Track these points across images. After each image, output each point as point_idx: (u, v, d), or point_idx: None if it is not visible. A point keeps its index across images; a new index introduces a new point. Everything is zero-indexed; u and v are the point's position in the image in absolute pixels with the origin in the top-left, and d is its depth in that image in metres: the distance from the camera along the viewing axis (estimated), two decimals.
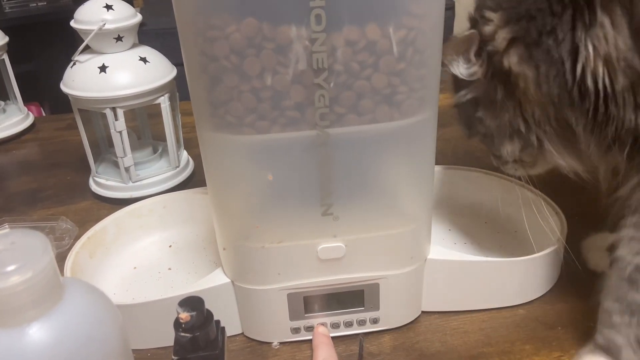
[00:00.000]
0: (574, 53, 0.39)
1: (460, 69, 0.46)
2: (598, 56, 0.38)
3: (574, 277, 0.55)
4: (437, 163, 0.46)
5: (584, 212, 0.63)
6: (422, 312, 0.51)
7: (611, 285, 0.43)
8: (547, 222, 0.56)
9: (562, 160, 0.46)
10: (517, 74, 0.42)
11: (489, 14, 0.43)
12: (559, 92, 0.41)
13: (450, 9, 1.66)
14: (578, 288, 0.53)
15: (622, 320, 0.42)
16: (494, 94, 0.45)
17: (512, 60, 0.42)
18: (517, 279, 0.51)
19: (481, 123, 0.48)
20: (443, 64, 0.44)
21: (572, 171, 0.48)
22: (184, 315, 0.34)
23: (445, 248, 0.50)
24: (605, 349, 0.43)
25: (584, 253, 0.56)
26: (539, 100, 0.42)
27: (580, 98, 0.40)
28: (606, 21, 0.37)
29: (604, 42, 0.38)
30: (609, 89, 0.39)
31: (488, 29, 0.44)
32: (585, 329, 0.49)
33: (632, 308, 0.41)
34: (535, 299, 0.52)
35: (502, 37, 0.43)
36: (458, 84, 0.49)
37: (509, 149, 0.47)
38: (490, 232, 0.60)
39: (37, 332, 0.26)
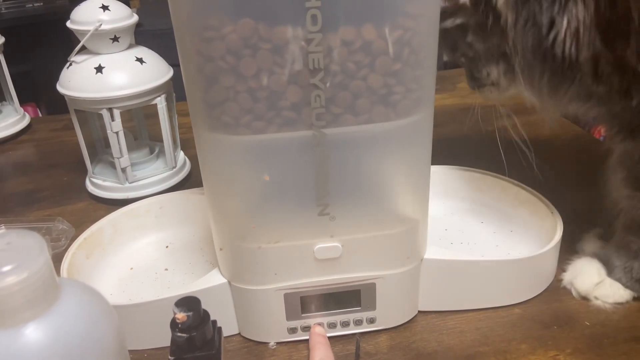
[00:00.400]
0: (551, 22, 0.44)
1: None
2: (569, 29, 0.43)
3: None
4: (433, 163, 0.46)
5: (580, 211, 0.63)
6: (419, 311, 0.51)
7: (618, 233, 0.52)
8: (542, 222, 0.57)
9: (526, 92, 0.50)
10: (500, 11, 0.46)
11: None
12: (532, 44, 0.45)
13: None
14: None
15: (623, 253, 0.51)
16: (484, 20, 0.47)
17: (499, 1, 0.45)
18: (513, 278, 0.51)
19: (470, 47, 0.51)
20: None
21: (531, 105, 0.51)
22: (181, 316, 0.34)
23: (441, 248, 0.50)
24: (604, 261, 0.52)
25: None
26: (516, 39, 0.46)
27: (550, 58, 0.45)
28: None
29: (574, 18, 0.42)
30: (573, 58, 0.44)
31: None
32: (581, 328, 0.49)
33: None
34: (531, 299, 0.52)
35: None
36: (445, 11, 0.50)
37: (494, 72, 0.51)
38: (486, 231, 0.60)
39: (33, 333, 0.26)
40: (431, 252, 0.49)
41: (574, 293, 0.53)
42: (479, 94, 0.55)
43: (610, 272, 0.52)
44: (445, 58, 0.57)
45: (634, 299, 0.51)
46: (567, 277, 0.54)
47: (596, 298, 0.51)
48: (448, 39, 0.52)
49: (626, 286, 0.51)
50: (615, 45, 0.42)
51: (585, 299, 0.52)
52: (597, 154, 0.56)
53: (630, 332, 0.48)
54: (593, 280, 0.52)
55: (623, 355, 0.46)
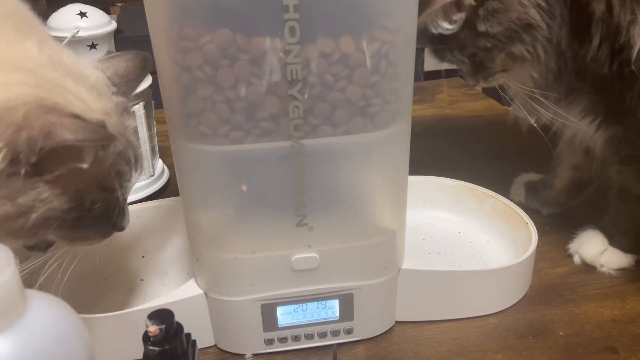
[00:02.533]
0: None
1: (444, 27, 0.49)
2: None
3: (545, 286, 0.56)
4: (411, 173, 0.47)
5: (554, 222, 0.64)
6: (396, 322, 0.51)
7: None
8: (518, 232, 0.58)
9: (536, 73, 0.51)
10: None
11: None
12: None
13: None
14: (548, 297, 0.54)
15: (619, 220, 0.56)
16: (497, 5, 0.48)
17: None
18: (489, 288, 0.52)
19: (485, 36, 0.50)
20: (424, 27, 0.49)
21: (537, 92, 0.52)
22: (153, 329, 0.34)
23: (419, 258, 0.51)
24: (604, 231, 0.58)
25: (512, 189, 0.66)
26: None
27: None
28: None
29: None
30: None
31: None
32: (555, 338, 0.50)
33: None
34: (506, 309, 0.53)
35: None
36: (445, 15, 0.51)
37: (518, 48, 0.50)
38: (463, 242, 0.61)
39: None
40: (409, 263, 0.49)
41: (578, 261, 0.58)
42: (483, 84, 0.56)
43: (610, 240, 0.57)
44: (445, 66, 0.58)
45: (636, 262, 0.56)
46: (573, 246, 0.58)
47: (601, 265, 0.57)
48: (453, 42, 0.52)
49: (626, 251, 0.56)
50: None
51: (590, 266, 0.57)
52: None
53: (603, 342, 0.49)
54: (598, 249, 0.56)
55: None
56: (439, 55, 0.56)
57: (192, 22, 0.36)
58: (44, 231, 0.37)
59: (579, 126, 0.53)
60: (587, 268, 0.58)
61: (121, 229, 0.41)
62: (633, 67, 0.46)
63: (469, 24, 0.50)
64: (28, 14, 0.41)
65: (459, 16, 0.49)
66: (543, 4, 0.47)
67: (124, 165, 0.39)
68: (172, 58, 0.38)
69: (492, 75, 0.54)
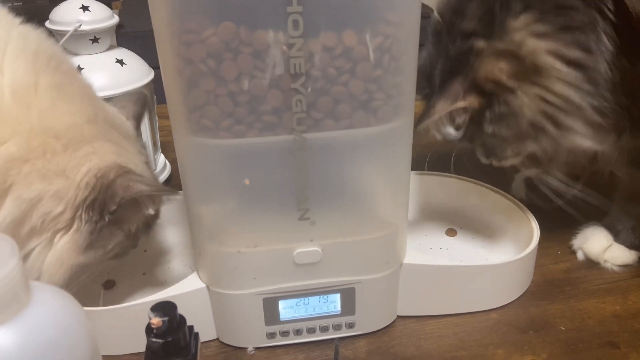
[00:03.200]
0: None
1: (451, 133, 0.48)
2: None
3: (546, 281, 0.56)
4: (413, 169, 0.47)
5: (557, 218, 0.64)
6: (398, 316, 0.51)
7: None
8: (519, 228, 0.58)
9: (584, 139, 0.47)
10: (549, 67, 0.44)
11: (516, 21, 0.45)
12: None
13: (427, 17, 1.68)
14: (550, 293, 0.55)
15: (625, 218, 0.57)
16: (504, 109, 0.46)
17: (545, 59, 0.44)
18: (490, 283, 0.52)
19: (492, 136, 0.49)
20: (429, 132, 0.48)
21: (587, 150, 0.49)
22: (156, 321, 0.34)
23: (420, 253, 0.51)
24: (609, 228, 0.58)
25: (513, 186, 0.64)
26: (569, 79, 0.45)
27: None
28: None
29: None
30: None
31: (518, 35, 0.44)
32: (556, 333, 0.50)
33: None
34: (508, 304, 0.53)
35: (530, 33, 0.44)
36: (451, 117, 0.50)
37: (532, 146, 0.48)
38: (465, 237, 0.61)
39: (2, 338, 0.25)
40: (410, 257, 0.49)
41: (581, 257, 0.58)
42: (497, 164, 0.53)
43: (615, 236, 0.57)
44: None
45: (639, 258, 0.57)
46: (576, 242, 0.58)
47: (605, 261, 0.56)
48: (463, 134, 0.50)
49: (631, 247, 0.56)
50: None
51: (594, 262, 0.57)
52: None
53: (604, 337, 0.49)
54: (602, 245, 0.56)
55: None
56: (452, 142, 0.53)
57: (195, 15, 0.36)
58: (110, 261, 0.46)
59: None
60: (589, 264, 0.58)
61: (136, 247, 0.50)
62: None
63: (474, 121, 0.49)
64: (80, 76, 0.49)
65: (464, 118, 0.47)
66: (581, 76, 0.44)
67: (158, 208, 0.48)
68: (174, 51, 0.38)
69: (504, 159, 0.52)
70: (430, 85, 0.51)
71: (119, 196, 0.41)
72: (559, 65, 0.44)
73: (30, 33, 0.45)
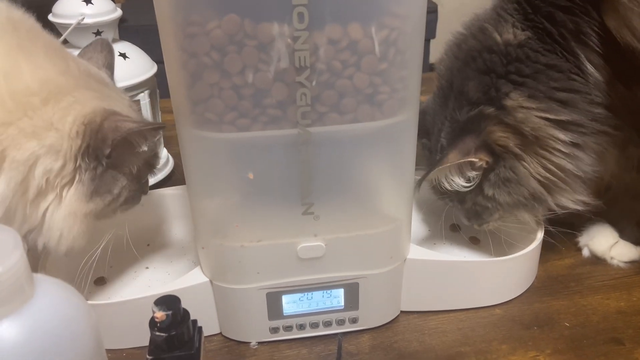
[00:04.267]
0: None
1: (459, 183, 0.49)
2: None
3: (551, 277, 0.56)
4: (417, 164, 0.46)
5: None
6: (401, 311, 0.51)
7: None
8: (523, 224, 0.57)
9: (576, 196, 0.50)
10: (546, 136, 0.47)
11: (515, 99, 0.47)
12: None
13: (432, 12, 1.67)
14: (554, 288, 0.54)
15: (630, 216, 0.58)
16: (509, 174, 0.49)
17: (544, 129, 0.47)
18: (494, 279, 0.52)
19: (489, 199, 0.50)
20: (438, 184, 0.50)
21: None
22: (160, 315, 0.34)
23: (424, 248, 0.51)
24: (614, 225, 0.58)
25: None
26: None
27: None
28: None
29: None
30: None
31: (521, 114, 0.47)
32: (560, 329, 0.49)
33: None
34: (512, 299, 0.53)
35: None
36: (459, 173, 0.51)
37: (524, 216, 0.52)
38: (468, 232, 0.60)
39: (6, 330, 0.25)
40: (414, 252, 0.49)
41: (587, 254, 0.58)
42: (477, 227, 0.55)
43: (621, 233, 0.58)
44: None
45: None
46: (582, 239, 0.58)
47: (612, 258, 0.57)
48: (454, 194, 0.52)
49: (637, 244, 0.56)
50: None
51: (597, 258, 0.57)
52: None
53: (609, 333, 0.49)
54: (609, 242, 0.57)
55: (602, 356, 0.47)
56: (438, 194, 0.55)
57: (199, 8, 0.36)
58: (123, 207, 0.46)
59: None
60: (594, 260, 0.58)
61: (146, 192, 0.51)
62: None
63: (478, 184, 0.50)
64: (44, 33, 0.47)
65: (474, 174, 0.49)
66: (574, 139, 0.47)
67: (158, 148, 0.49)
68: (178, 44, 0.37)
69: (486, 223, 0.54)
70: (427, 136, 0.55)
71: (110, 138, 0.40)
72: (555, 133, 0.47)
73: None
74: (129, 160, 0.44)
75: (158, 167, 0.51)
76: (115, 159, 0.42)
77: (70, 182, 0.41)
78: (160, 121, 0.72)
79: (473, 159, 0.48)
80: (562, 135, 0.47)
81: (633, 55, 0.45)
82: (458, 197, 0.52)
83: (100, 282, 0.54)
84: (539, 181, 0.48)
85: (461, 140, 0.48)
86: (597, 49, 0.46)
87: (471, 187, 0.50)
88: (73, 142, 0.40)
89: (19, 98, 0.40)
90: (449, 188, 0.50)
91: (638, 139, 0.51)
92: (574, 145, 0.48)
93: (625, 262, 0.56)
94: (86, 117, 0.41)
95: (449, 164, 0.48)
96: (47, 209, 0.41)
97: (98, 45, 0.52)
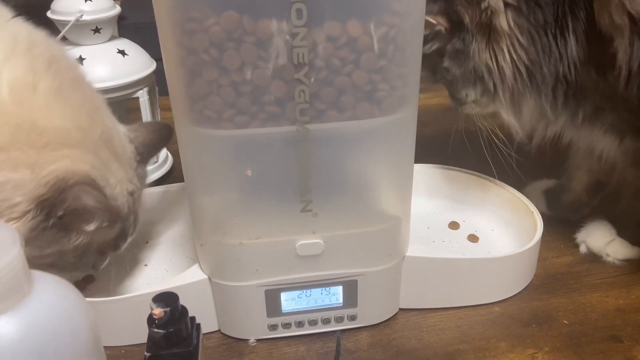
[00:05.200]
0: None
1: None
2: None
3: (549, 275, 0.56)
4: (416, 161, 0.46)
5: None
6: (400, 309, 0.51)
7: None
8: (523, 221, 0.57)
9: (505, 113, 0.53)
10: (503, 32, 0.48)
11: None
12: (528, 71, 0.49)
13: None
14: (553, 286, 0.54)
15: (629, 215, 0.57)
16: (460, 47, 0.50)
17: (503, 22, 0.48)
18: (493, 276, 0.52)
19: (447, 72, 0.53)
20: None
21: (508, 124, 0.54)
22: (158, 311, 0.34)
23: (423, 246, 0.51)
24: (613, 222, 0.58)
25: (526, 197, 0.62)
26: (514, 57, 0.49)
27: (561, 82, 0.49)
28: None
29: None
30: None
31: None
32: (559, 327, 0.49)
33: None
34: (510, 297, 0.53)
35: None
36: (425, 37, 0.52)
37: (472, 94, 0.54)
38: (467, 230, 0.60)
39: (4, 327, 0.25)
40: (413, 250, 0.49)
41: (584, 250, 0.58)
42: (460, 110, 0.57)
43: (619, 231, 0.57)
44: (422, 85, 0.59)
45: None
46: (580, 236, 0.59)
47: (607, 255, 0.57)
48: (428, 63, 0.54)
49: (635, 243, 0.56)
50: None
51: (595, 255, 0.57)
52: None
53: (607, 330, 0.49)
54: (605, 239, 0.57)
55: (600, 353, 0.47)
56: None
57: (198, 4, 0.36)
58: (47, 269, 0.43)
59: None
60: (593, 257, 0.58)
61: (96, 269, 0.50)
62: None
63: (439, 52, 0.52)
64: (88, 86, 0.49)
65: (429, 32, 0.50)
66: (524, 54, 0.48)
67: (121, 241, 0.48)
68: (177, 40, 0.37)
69: (463, 105, 0.56)
70: None
71: (67, 203, 0.40)
72: (512, 44, 0.48)
73: (25, 32, 0.46)
74: (77, 233, 0.42)
75: (113, 253, 0.49)
76: (65, 224, 0.41)
77: (17, 219, 0.40)
78: (159, 120, 0.72)
79: (432, 20, 0.50)
80: (517, 53, 0.48)
81: (607, 42, 0.46)
82: (429, 67, 0.55)
83: (89, 280, 0.54)
84: (484, 64, 0.50)
85: (432, 1, 0.50)
86: (583, 25, 0.47)
87: (430, 50, 0.52)
88: (39, 189, 0.40)
89: (30, 133, 0.41)
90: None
91: (632, 129, 0.51)
92: (519, 73, 0.49)
93: (620, 260, 0.57)
94: (65, 173, 0.41)
95: None
96: None
97: (156, 126, 0.52)
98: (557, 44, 0.48)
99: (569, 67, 0.48)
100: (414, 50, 0.41)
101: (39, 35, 0.47)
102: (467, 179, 0.63)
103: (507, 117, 0.53)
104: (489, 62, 0.49)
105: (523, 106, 0.52)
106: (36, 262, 0.42)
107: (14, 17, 0.46)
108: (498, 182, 0.61)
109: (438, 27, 0.50)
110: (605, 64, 0.47)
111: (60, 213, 0.40)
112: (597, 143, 0.54)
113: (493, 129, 0.56)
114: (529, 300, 0.53)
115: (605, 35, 0.46)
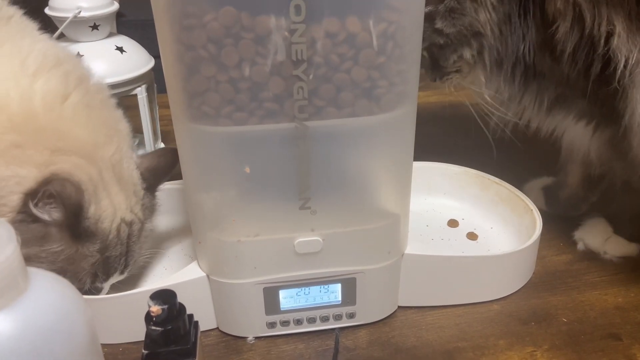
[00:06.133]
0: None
1: None
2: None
3: (548, 273, 0.56)
4: (415, 159, 0.46)
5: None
6: (399, 307, 0.51)
7: None
8: (522, 219, 0.57)
9: (483, 77, 0.53)
10: None
11: None
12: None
13: None
14: (552, 284, 0.54)
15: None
16: (454, 4, 0.50)
17: None
18: (492, 274, 0.52)
19: (439, 34, 0.52)
20: None
21: (487, 93, 0.54)
22: (155, 309, 0.33)
23: (422, 244, 0.50)
24: (609, 220, 0.59)
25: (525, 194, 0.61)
26: (488, 17, 0.49)
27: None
28: None
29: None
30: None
31: None
32: (558, 325, 0.49)
33: None
34: (509, 295, 0.53)
35: None
36: None
37: (467, 53, 0.52)
38: (466, 228, 0.60)
39: (0, 323, 0.25)
40: (412, 248, 0.49)
41: (582, 248, 0.58)
42: (439, 83, 0.57)
43: (615, 228, 0.58)
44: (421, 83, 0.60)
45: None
46: (578, 234, 0.59)
47: (605, 252, 0.57)
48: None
49: (630, 239, 0.56)
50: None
51: (594, 253, 0.57)
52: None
53: (606, 328, 0.49)
54: (603, 236, 0.57)
55: (599, 351, 0.47)
56: None
57: None
58: None
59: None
60: (591, 255, 0.58)
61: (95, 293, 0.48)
62: (617, 85, 0.45)
63: (429, 17, 0.51)
64: (114, 110, 0.51)
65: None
66: (496, 16, 0.48)
67: (102, 272, 0.46)
68: (175, 36, 0.37)
69: (446, 74, 0.55)
70: None
71: (43, 190, 0.40)
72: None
73: (54, 48, 0.49)
74: (54, 238, 0.42)
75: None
76: (37, 216, 0.41)
77: (8, 214, 0.41)
78: (157, 116, 0.72)
79: None
80: (490, 13, 0.48)
81: (551, 28, 0.46)
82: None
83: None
84: (474, 16, 0.50)
85: None
86: (539, 10, 0.47)
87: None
88: (33, 185, 0.41)
89: (50, 138, 0.42)
90: None
91: (599, 116, 0.51)
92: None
93: (618, 257, 0.57)
94: (60, 172, 0.41)
95: None
96: None
97: (161, 151, 0.53)
98: (520, 24, 0.48)
99: (528, 48, 0.49)
100: (413, 47, 0.40)
101: (66, 52, 0.50)
102: (466, 177, 0.63)
103: (484, 80, 0.53)
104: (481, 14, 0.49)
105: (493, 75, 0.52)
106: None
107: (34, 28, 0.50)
108: (497, 179, 0.61)
109: None
110: (554, 49, 0.48)
111: (35, 201, 0.41)
112: (574, 133, 0.54)
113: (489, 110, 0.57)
114: (528, 298, 0.52)
115: (551, 19, 0.46)
